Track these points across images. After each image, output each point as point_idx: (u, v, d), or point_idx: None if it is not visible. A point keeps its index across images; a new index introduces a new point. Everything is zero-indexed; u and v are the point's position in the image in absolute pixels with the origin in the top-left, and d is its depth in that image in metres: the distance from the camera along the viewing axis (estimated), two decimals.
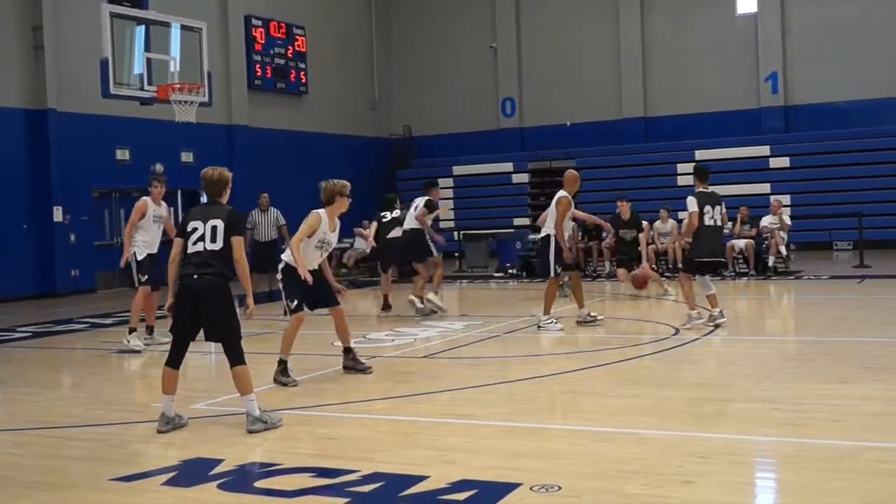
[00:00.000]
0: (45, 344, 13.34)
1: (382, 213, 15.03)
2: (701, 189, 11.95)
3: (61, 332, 14.57)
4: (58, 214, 20.80)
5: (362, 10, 30.95)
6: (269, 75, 26.80)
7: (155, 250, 11.89)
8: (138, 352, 11.55)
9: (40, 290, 20.47)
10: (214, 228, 7.21)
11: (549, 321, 12.29)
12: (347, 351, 9.46)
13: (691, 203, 11.78)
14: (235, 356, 7.16)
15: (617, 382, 8.63)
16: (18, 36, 20.48)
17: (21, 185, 20.45)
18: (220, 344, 7.29)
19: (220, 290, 7.15)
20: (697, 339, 11.05)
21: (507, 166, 29.16)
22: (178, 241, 7.36)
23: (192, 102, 14.80)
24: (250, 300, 7.35)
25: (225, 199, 7.49)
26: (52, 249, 20.75)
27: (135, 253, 11.76)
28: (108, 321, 15.50)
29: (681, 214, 21.19)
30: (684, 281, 12.04)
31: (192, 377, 10.31)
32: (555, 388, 8.61)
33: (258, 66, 26.40)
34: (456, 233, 25.63)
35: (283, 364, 8.95)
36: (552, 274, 12.33)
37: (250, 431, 6.97)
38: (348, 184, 9.22)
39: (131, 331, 11.75)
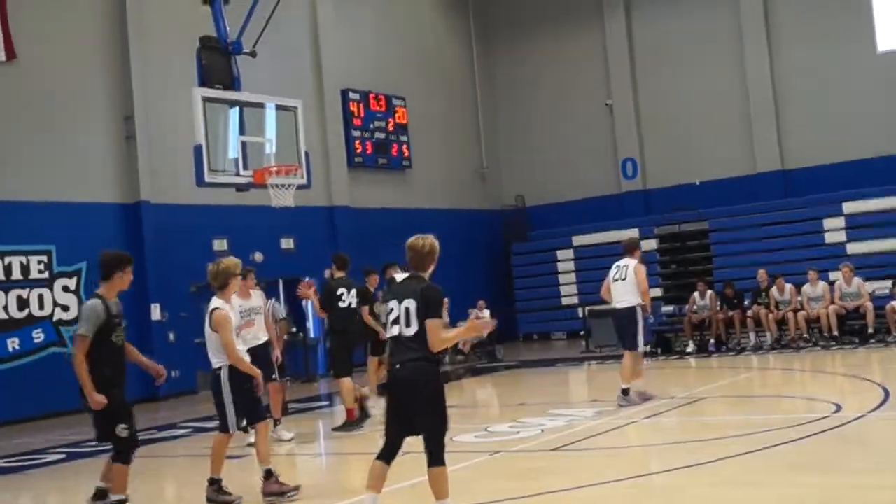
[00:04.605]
0: (147, 452, 13.54)
1: None
2: None
3: (164, 438, 14.85)
4: (155, 312, 21.37)
5: (465, 75, 31.38)
6: (369, 151, 27.28)
7: (256, 343, 11.92)
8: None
9: (140, 394, 20.91)
10: (408, 311, 6.96)
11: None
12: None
13: None
14: (437, 454, 6.87)
15: (775, 469, 8.33)
16: (110, 127, 21.34)
17: None
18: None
19: (424, 377, 6.92)
20: (862, 416, 10.61)
21: (632, 233, 28.74)
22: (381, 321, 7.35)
23: (289, 185, 15.04)
24: None
25: (428, 272, 7.24)
26: (150, 350, 21.23)
27: None
28: (211, 425, 15.70)
29: (832, 275, 20.78)
30: None
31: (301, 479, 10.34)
32: (705, 480, 8.34)
33: (358, 142, 26.91)
34: (580, 309, 25.39)
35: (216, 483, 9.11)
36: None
37: None
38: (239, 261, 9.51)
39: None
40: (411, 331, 6.91)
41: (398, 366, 6.93)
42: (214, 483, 9.06)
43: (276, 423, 12.84)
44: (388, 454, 7.03)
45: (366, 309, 14.47)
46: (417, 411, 6.91)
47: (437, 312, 7.01)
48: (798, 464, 8.53)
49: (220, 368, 9.06)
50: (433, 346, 6.92)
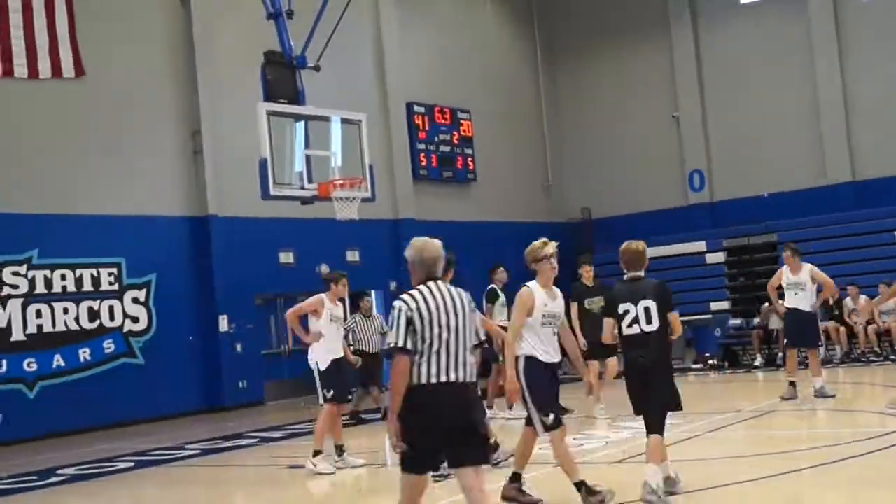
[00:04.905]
0: (213, 462, 13.78)
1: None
2: None
3: (230, 448, 15.02)
4: (223, 324, 21.67)
5: (529, 87, 31.36)
6: (434, 164, 27.38)
7: (339, 355, 11.56)
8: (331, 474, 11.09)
9: (207, 404, 21.27)
10: (648, 310, 7.91)
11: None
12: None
13: None
14: (657, 426, 8.06)
15: (842, 484, 8.22)
16: (178, 141, 21.74)
17: (185, 295, 21.44)
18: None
19: (665, 366, 8.15)
20: None
21: (700, 245, 28.60)
22: (608, 322, 8.20)
23: (354, 199, 15.10)
24: None
25: (643, 272, 8.14)
26: (218, 361, 21.58)
27: (317, 363, 11.44)
28: (278, 434, 15.90)
29: None
30: None
31: None
32: (770, 495, 8.26)
33: (422, 155, 27.03)
34: None
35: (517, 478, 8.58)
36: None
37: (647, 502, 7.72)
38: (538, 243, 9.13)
39: (316, 453, 11.17)
40: (653, 327, 7.90)
41: (642, 357, 7.92)
42: (516, 479, 8.51)
43: (341, 449, 11.65)
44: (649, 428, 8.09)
45: (574, 308, 14.03)
46: (659, 393, 8.03)
47: (672, 305, 8.03)
48: (867, 478, 8.40)
49: (517, 358, 8.21)
50: (678, 331, 8.05)
